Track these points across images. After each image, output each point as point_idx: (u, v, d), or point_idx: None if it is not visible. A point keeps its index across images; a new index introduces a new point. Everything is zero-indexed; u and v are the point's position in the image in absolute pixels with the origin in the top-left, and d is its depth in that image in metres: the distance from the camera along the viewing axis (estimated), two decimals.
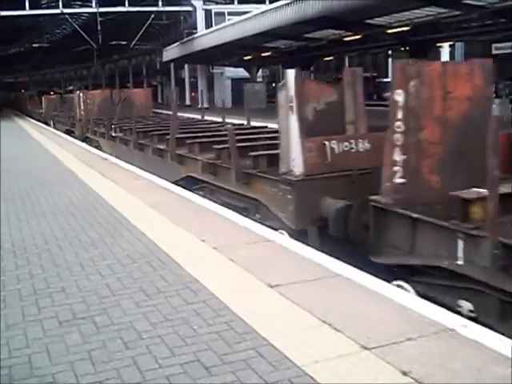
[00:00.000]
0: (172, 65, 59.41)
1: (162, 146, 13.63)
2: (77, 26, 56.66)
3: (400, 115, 6.48)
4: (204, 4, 51.15)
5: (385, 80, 55.36)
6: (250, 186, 9.17)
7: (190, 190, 10.16)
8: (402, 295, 4.62)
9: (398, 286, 5.74)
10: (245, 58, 43.88)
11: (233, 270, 5.32)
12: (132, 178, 11.44)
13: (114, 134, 18.83)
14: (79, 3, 61.33)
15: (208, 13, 50.56)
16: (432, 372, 3.39)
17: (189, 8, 50.52)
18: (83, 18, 62.35)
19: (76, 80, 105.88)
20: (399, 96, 6.49)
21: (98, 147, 19.65)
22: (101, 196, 9.50)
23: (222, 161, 10.40)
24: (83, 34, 53.52)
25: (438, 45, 35.75)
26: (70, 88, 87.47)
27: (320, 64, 53.36)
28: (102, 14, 49.72)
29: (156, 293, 4.86)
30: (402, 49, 33.37)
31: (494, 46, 38.57)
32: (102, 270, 5.58)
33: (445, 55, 47.77)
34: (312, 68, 44.62)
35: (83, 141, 22.09)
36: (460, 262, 5.61)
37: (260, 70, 49.82)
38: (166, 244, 6.32)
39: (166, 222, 7.38)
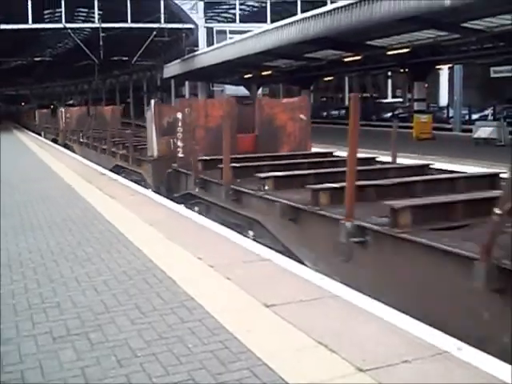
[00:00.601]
0: (173, 81, 59.74)
1: (105, 147, 20.24)
2: (79, 41, 56.97)
3: (180, 124, 13.14)
4: (206, 22, 51.55)
5: (385, 101, 55.71)
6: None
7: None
8: (400, 318, 4.60)
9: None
10: (245, 76, 44.12)
11: (229, 289, 5.30)
12: (129, 194, 11.44)
13: (81, 140, 25.77)
14: (82, 18, 61.76)
15: (210, 31, 50.94)
16: None
17: (191, 25, 50.90)
18: (85, 32, 62.85)
19: (77, 94, 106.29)
20: (179, 115, 13.16)
21: (74, 151, 25.29)
22: (98, 211, 9.49)
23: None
24: (85, 48, 53.72)
25: (438, 67, 36.03)
26: (71, 102, 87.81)
27: (320, 83, 53.64)
28: (104, 29, 50.08)
29: (151, 310, 4.83)
30: (402, 70, 33.60)
31: (492, 69, 38.88)
32: (98, 285, 5.56)
33: (444, 78, 48.11)
34: (311, 87, 44.77)
35: (64, 146, 28.11)
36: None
37: (260, 89, 50.02)
38: (163, 261, 6.30)
39: (163, 239, 7.37)
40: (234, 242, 7.13)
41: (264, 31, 31.37)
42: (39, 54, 75.77)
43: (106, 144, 20.01)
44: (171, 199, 11.28)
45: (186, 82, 57.86)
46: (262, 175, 9.44)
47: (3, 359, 3.98)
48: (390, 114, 45.74)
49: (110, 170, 16.50)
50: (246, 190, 9.61)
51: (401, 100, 53.67)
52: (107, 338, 4.29)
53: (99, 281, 5.70)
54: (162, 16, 49.54)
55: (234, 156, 10.65)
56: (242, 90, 46.74)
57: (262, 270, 5.96)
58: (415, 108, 31.03)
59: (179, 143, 13.19)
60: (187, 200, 11.89)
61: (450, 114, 39.18)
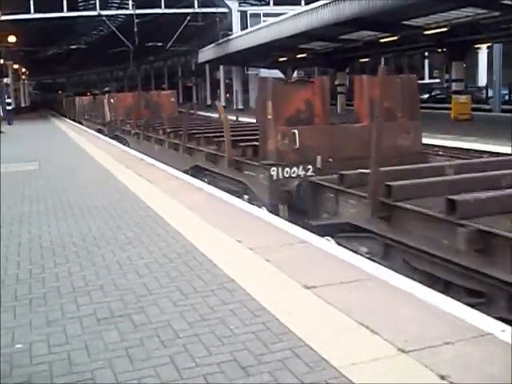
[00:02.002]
0: (207, 66, 59.81)
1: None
2: (114, 28, 57.40)
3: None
4: (239, 6, 51.36)
5: (422, 82, 54.92)
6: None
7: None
8: (440, 298, 4.57)
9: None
10: (280, 59, 43.90)
11: (269, 271, 5.33)
12: (167, 179, 11.52)
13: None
14: (116, 5, 62.10)
15: (243, 14, 50.78)
16: (470, 377, 3.35)
17: (224, 10, 50.84)
18: (120, 19, 63.17)
19: (112, 81, 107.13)
20: None
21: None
22: (137, 195, 9.59)
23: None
24: (120, 35, 54.15)
25: (476, 46, 35.39)
26: (106, 89, 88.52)
27: (355, 65, 53.10)
28: (138, 15, 50.31)
29: (193, 292, 4.88)
30: (439, 50, 33.07)
31: None
32: (140, 268, 5.63)
33: (482, 57, 47.21)
34: (347, 69, 44.37)
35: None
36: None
37: (295, 72, 49.75)
38: (202, 244, 6.35)
39: (202, 222, 7.41)
40: (273, 225, 7.13)
41: (298, 13, 31.14)
42: (74, 42, 76.53)
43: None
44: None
45: (221, 67, 57.85)
46: None
47: (50, 340, 4.07)
48: (427, 96, 45.06)
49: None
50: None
51: (438, 81, 52.86)
52: (150, 320, 4.35)
53: (140, 264, 5.77)
54: (196, 1, 49.53)
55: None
56: (276, 74, 46.52)
57: (302, 252, 5.97)
58: (453, 89, 30.54)
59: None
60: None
61: (490, 94, 38.50)
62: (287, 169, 9.33)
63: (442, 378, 3.31)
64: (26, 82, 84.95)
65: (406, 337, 3.83)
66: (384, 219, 7.02)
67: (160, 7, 49.74)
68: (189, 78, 76.67)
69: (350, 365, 3.51)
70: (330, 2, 26.40)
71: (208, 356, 3.73)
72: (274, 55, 43.45)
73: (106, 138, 23.59)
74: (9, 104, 44.35)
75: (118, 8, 61.21)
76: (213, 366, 3.59)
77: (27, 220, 8.18)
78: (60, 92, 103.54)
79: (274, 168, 9.32)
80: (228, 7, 50.54)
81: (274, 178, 9.32)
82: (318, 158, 9.29)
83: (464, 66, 31.78)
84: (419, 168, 8.61)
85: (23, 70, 76.55)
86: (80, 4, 58.99)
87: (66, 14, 48.24)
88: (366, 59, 45.54)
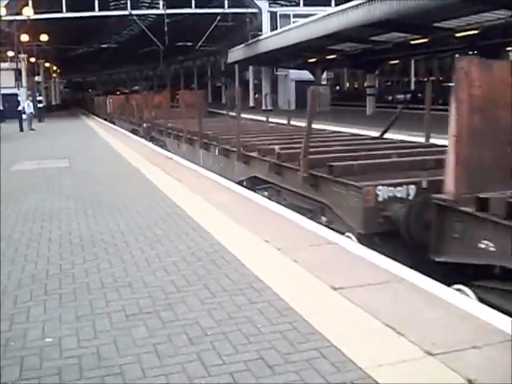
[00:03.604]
0: (236, 66, 59.85)
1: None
2: (144, 27, 57.77)
3: None
4: (269, 6, 51.35)
5: (452, 84, 54.38)
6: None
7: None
8: (467, 302, 4.55)
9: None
10: (309, 60, 43.82)
11: (296, 272, 5.34)
12: (195, 177, 11.58)
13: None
14: (147, 4, 62.50)
15: (273, 15, 50.73)
16: (497, 380, 3.34)
17: (254, 10, 50.84)
18: (150, 19, 63.56)
19: (141, 80, 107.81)
20: None
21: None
22: (165, 194, 9.66)
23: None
24: (150, 34, 54.46)
25: (508, 49, 34.94)
26: (136, 88, 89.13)
27: (385, 67, 52.87)
28: (168, 15, 50.56)
29: (220, 291, 4.92)
30: (470, 53, 32.74)
31: None
32: (168, 266, 5.68)
33: None
34: (377, 71, 44.16)
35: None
36: None
37: (325, 73, 49.62)
38: (230, 243, 6.38)
39: (230, 222, 7.45)
40: (300, 226, 7.15)
41: (328, 14, 31.04)
42: (105, 41, 77.12)
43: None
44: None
45: (250, 67, 57.90)
46: None
47: (79, 335, 4.13)
48: None
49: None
50: None
51: None
52: (178, 317, 4.39)
53: (169, 262, 5.83)
54: (226, 1, 49.66)
55: None
56: (305, 75, 46.44)
57: (329, 253, 5.98)
58: None
59: None
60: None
61: None
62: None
63: (470, 382, 3.31)
64: (56, 80, 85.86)
65: (433, 339, 3.82)
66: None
67: (190, 7, 49.95)
68: (218, 78, 76.87)
69: (376, 366, 3.52)
70: (360, 3, 26.27)
71: (235, 354, 3.76)
72: (304, 56, 43.37)
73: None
74: (40, 102, 45.01)
75: (149, 8, 61.56)
76: (239, 364, 3.62)
77: (57, 216, 8.30)
78: (90, 90, 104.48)
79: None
80: (258, 8, 50.56)
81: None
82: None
83: None
84: None
85: (54, 68, 77.34)
86: (111, 3, 59.46)
87: (97, 13, 48.68)
88: (396, 61, 45.29)
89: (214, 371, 3.55)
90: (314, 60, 43.41)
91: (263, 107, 49.09)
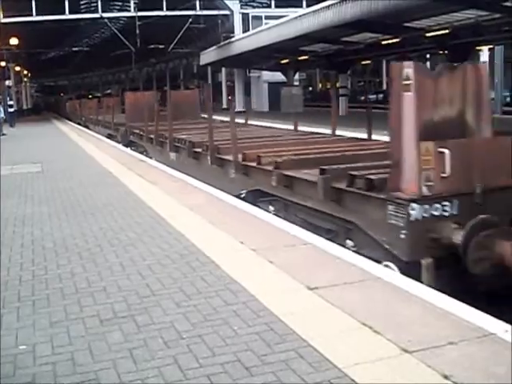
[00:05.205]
0: (209, 68, 59.78)
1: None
2: (115, 30, 57.42)
3: None
4: (241, 8, 51.39)
5: None
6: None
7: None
8: (443, 299, 4.56)
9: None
10: (282, 61, 43.86)
11: (272, 272, 5.33)
12: (169, 180, 11.52)
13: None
14: (118, 7, 62.17)
15: (245, 16, 50.81)
16: (474, 376, 3.35)
17: (226, 12, 50.83)
18: (122, 21, 63.22)
19: (114, 83, 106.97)
20: None
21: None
22: (138, 197, 9.60)
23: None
24: (122, 37, 54.16)
25: (478, 48, 35.33)
26: (108, 91, 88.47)
27: (357, 67, 53.13)
28: (140, 17, 50.32)
29: (196, 293, 4.89)
30: (441, 52, 33.05)
31: None
32: (142, 270, 5.63)
33: (484, 59, 47.14)
34: (349, 71, 44.37)
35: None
36: None
37: (297, 74, 49.74)
38: (205, 245, 6.35)
39: (204, 224, 7.41)
40: (275, 226, 7.14)
41: (300, 16, 31.09)
42: (76, 44, 76.56)
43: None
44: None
45: (223, 69, 57.85)
46: None
47: (54, 341, 4.07)
48: None
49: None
50: None
51: None
52: (153, 321, 4.35)
53: (143, 265, 5.78)
54: (198, 3, 49.56)
55: None
56: (279, 76, 46.51)
57: (305, 253, 5.97)
58: None
59: None
60: None
61: (491, 96, 38.47)
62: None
63: (446, 377, 3.32)
64: (27, 84, 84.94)
65: (409, 337, 3.83)
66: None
67: (162, 9, 49.79)
68: (191, 81, 76.68)
69: (354, 365, 3.51)
70: (332, 4, 26.37)
71: (212, 356, 3.74)
72: (276, 57, 43.40)
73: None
74: (11, 106, 44.43)
75: (120, 10, 61.25)
76: (216, 367, 3.59)
77: (30, 221, 8.19)
78: (62, 94, 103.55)
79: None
80: (230, 10, 50.55)
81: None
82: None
83: None
84: None
85: (25, 72, 76.54)
86: (82, 6, 59.05)
87: (68, 16, 48.35)
88: (368, 61, 45.54)
89: (191, 374, 3.52)
90: (286, 61, 43.46)
91: (237, 109, 49.07)
